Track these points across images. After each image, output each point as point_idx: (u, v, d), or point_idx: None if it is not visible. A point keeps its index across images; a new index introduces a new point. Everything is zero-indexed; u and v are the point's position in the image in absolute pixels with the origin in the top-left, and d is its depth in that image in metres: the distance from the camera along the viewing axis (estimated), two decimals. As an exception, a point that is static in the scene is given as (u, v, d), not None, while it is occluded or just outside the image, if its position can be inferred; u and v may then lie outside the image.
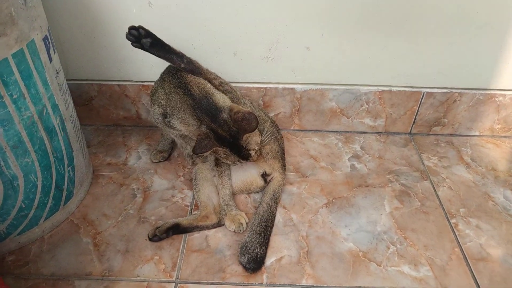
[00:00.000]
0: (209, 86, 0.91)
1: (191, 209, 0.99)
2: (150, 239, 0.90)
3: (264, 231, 0.91)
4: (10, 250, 0.88)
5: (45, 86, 0.80)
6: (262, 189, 1.02)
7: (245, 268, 0.85)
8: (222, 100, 0.89)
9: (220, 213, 0.95)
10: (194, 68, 0.94)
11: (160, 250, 0.89)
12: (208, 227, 0.94)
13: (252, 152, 0.89)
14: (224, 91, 0.96)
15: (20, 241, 0.88)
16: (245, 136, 0.86)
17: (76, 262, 0.86)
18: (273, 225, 0.95)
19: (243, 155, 0.88)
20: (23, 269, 0.85)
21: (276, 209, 0.98)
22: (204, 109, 0.86)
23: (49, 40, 0.82)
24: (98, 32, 1.07)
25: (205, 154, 0.93)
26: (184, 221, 0.93)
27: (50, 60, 0.82)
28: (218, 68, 1.12)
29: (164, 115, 0.92)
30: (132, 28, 0.88)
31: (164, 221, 0.93)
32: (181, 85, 0.90)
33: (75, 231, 0.93)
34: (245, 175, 1.01)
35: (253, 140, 0.89)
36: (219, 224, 0.94)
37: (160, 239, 0.90)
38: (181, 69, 0.93)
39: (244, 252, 0.87)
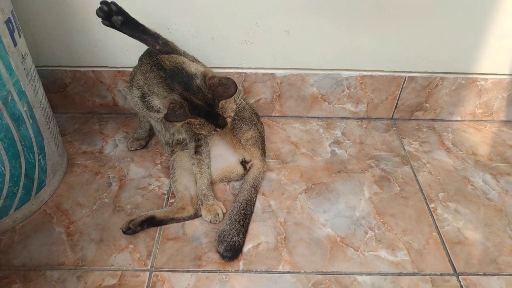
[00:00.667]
0: (182, 58, 0.88)
1: (168, 197, 0.98)
2: (124, 232, 0.88)
3: (243, 219, 0.90)
4: (-21, 241, 0.86)
5: (9, 71, 0.76)
6: (242, 177, 1.01)
7: (222, 256, 0.84)
8: (195, 67, 0.85)
9: (197, 203, 0.94)
10: (170, 50, 0.90)
11: (135, 239, 0.88)
12: (184, 219, 0.92)
13: (229, 120, 0.86)
14: None
15: (-11, 232, 0.86)
16: (221, 103, 0.82)
17: (49, 252, 0.85)
18: (252, 212, 0.94)
19: (220, 123, 0.84)
20: (-7, 260, 0.83)
21: (256, 196, 0.97)
22: (176, 79, 0.82)
23: (13, 23, 0.79)
24: (68, 15, 1.03)
25: (178, 124, 0.91)
26: (159, 213, 0.91)
27: (15, 44, 0.79)
28: (196, 53, 1.09)
29: (143, 97, 0.89)
30: (103, 2, 0.82)
31: (139, 214, 0.91)
32: (156, 63, 0.87)
33: (48, 221, 0.91)
34: (224, 163, 0.99)
35: (229, 107, 0.85)
36: (196, 215, 0.93)
37: (134, 232, 0.88)
38: (156, 51, 0.90)
39: (221, 240, 0.85)
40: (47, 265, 0.82)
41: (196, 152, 0.96)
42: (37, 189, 0.91)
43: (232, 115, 0.87)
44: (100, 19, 0.84)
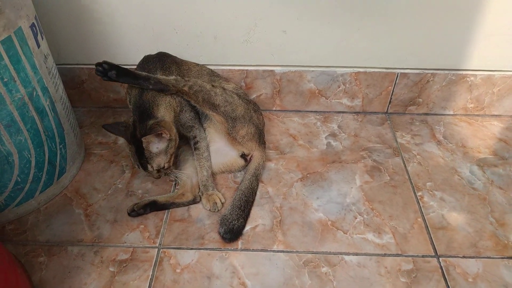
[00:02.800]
0: (161, 100, 0.97)
1: (175, 184, 1.07)
2: (129, 214, 0.98)
3: (244, 205, 0.98)
4: (9, 220, 0.97)
5: (34, 70, 0.87)
6: (244, 168, 1.09)
7: (223, 238, 0.93)
8: (162, 114, 0.96)
9: (197, 192, 1.02)
10: (162, 87, 0.98)
11: (145, 220, 0.98)
12: (184, 204, 1.00)
13: (149, 167, 0.95)
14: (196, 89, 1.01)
15: (18, 212, 0.97)
16: (147, 149, 0.93)
17: (69, 231, 0.95)
18: (253, 200, 1.02)
19: (142, 162, 0.95)
20: (21, 236, 0.94)
21: (258, 185, 1.05)
22: (141, 110, 0.95)
23: (37, 27, 0.89)
24: (84, 18, 1.13)
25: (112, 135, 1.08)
26: (161, 198, 1.00)
27: (38, 46, 0.89)
28: (200, 51, 1.19)
29: (130, 102, 1.02)
30: (97, 64, 0.95)
31: (143, 199, 1.00)
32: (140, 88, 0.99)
33: (68, 203, 1.02)
34: (225, 158, 1.07)
35: (156, 158, 0.95)
36: (194, 201, 1.01)
37: (138, 215, 0.97)
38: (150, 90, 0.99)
39: (222, 223, 0.95)
40: (68, 242, 0.93)
41: (195, 148, 1.05)
42: (58, 175, 1.02)
43: (157, 168, 0.96)
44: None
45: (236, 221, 0.94)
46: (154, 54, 1.08)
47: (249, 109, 1.07)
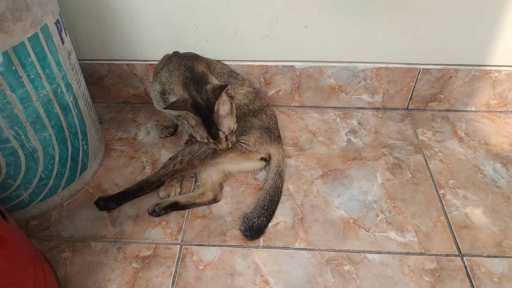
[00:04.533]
0: (211, 75, 0.98)
1: (195, 180, 1.07)
2: (150, 214, 0.98)
3: (268, 204, 0.97)
4: (33, 216, 0.98)
5: (59, 67, 0.87)
6: (266, 166, 1.08)
7: (244, 235, 0.93)
8: (215, 80, 0.95)
9: (219, 191, 1.02)
10: (158, 183, 1.01)
11: (167, 216, 0.98)
12: (204, 204, 1.00)
13: (221, 134, 0.92)
14: None
15: (41, 207, 0.98)
16: (217, 113, 0.90)
17: (92, 226, 0.96)
18: (279, 198, 1.01)
19: (212, 131, 0.91)
20: (45, 232, 0.95)
21: (282, 182, 1.04)
22: (195, 81, 0.92)
23: (61, 23, 0.89)
24: (105, 14, 1.13)
25: (174, 114, 1.02)
26: (182, 199, 1.00)
27: (62, 42, 0.89)
28: (220, 47, 1.18)
29: (163, 93, 0.99)
30: (94, 203, 0.98)
31: (164, 199, 1.00)
32: (187, 65, 0.97)
33: (91, 199, 1.03)
34: (245, 164, 1.06)
35: (225, 121, 0.92)
36: (215, 200, 1.01)
37: (158, 215, 0.97)
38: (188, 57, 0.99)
39: (243, 221, 0.95)
40: (91, 237, 0.94)
41: (185, 143, 1.06)
42: (80, 170, 1.02)
43: (227, 134, 0.93)
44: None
45: (256, 219, 0.94)
46: (175, 58, 1.03)
47: (246, 121, 1.04)
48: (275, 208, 0.99)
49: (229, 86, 0.89)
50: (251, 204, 0.99)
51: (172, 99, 0.95)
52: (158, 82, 1.00)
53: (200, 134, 0.93)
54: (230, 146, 0.97)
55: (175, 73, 0.96)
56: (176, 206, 0.99)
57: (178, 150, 1.07)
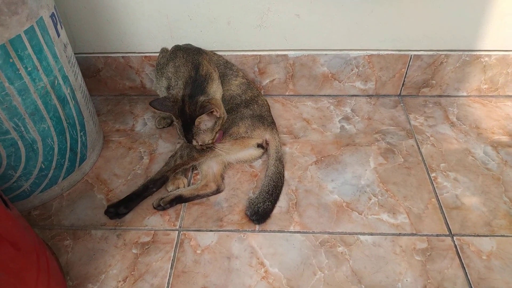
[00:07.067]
0: (216, 75, 0.99)
1: (192, 169, 1.10)
2: (155, 208, 0.99)
3: (272, 189, 0.99)
4: (34, 206, 1.01)
5: (55, 59, 0.89)
6: (264, 154, 1.10)
7: (251, 220, 0.96)
8: (214, 90, 0.97)
9: (221, 182, 1.04)
10: (163, 179, 1.03)
11: (165, 204, 1.01)
12: (208, 195, 1.02)
13: (194, 142, 0.96)
14: None
15: (42, 198, 1.00)
16: (197, 126, 0.93)
17: (92, 215, 0.99)
18: (283, 183, 1.03)
19: (188, 136, 0.96)
20: (46, 221, 0.98)
21: (283, 167, 1.06)
22: (195, 86, 0.95)
23: (56, 16, 0.91)
24: (100, 7, 1.15)
25: (157, 111, 1.04)
26: (186, 191, 1.01)
27: (58, 35, 0.91)
28: (214, 37, 1.20)
29: (169, 88, 1.01)
30: (105, 213, 0.98)
31: (169, 193, 1.02)
32: (194, 62, 0.99)
33: (90, 189, 1.05)
34: (243, 153, 1.08)
35: (202, 135, 0.95)
36: (218, 191, 1.03)
37: (163, 209, 0.99)
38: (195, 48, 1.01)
39: (248, 207, 0.98)
40: (92, 225, 0.97)
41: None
42: (79, 161, 1.05)
43: (201, 144, 0.96)
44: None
45: (262, 204, 0.97)
46: (181, 52, 1.05)
47: (237, 112, 1.06)
48: (279, 193, 1.01)
49: (214, 109, 0.91)
50: (257, 190, 1.01)
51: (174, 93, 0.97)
52: (165, 78, 1.02)
53: (180, 132, 0.98)
54: (204, 149, 1.00)
55: (181, 69, 0.99)
56: (180, 199, 1.00)
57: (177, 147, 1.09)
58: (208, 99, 0.94)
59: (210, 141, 0.97)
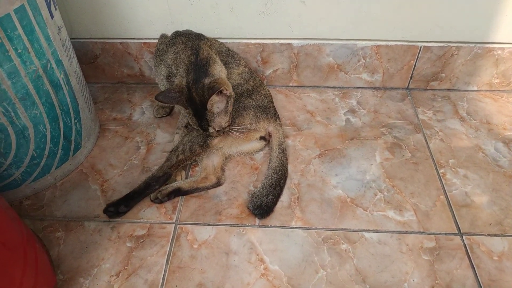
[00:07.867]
0: (215, 57, 0.94)
1: (190, 165, 1.05)
2: (152, 201, 0.95)
3: (276, 182, 0.95)
4: (26, 196, 0.97)
5: (48, 42, 0.84)
6: (266, 146, 1.06)
7: (254, 214, 0.92)
8: (218, 71, 0.92)
9: (221, 174, 1.00)
10: (166, 175, 0.97)
11: (161, 196, 0.97)
12: (208, 188, 0.98)
13: (211, 129, 0.91)
14: None
15: (34, 187, 0.96)
16: (210, 110, 0.88)
17: (86, 206, 0.95)
18: (286, 176, 0.99)
19: (202, 125, 0.91)
20: (38, 212, 0.94)
21: (287, 159, 1.02)
22: (197, 69, 0.89)
23: (49, -3, 0.86)
24: (98, -10, 1.10)
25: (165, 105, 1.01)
26: (185, 184, 0.97)
27: (52, 16, 0.86)
28: (216, 24, 1.15)
29: (169, 76, 0.96)
30: (104, 212, 0.92)
31: (166, 185, 0.97)
32: (193, 47, 0.93)
33: (84, 179, 1.01)
34: (246, 146, 1.04)
35: (217, 119, 0.90)
36: (218, 184, 0.99)
37: (161, 202, 0.95)
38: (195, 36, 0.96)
39: (251, 200, 0.94)
40: (85, 217, 0.93)
41: (185, 126, 1.05)
42: (74, 150, 1.01)
43: (220, 131, 0.92)
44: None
45: (265, 198, 0.93)
46: (180, 38, 0.99)
47: (240, 102, 1.02)
48: (283, 187, 0.97)
49: (223, 87, 0.86)
50: (260, 183, 0.97)
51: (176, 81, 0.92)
52: (164, 65, 0.97)
53: (193, 122, 0.92)
54: (221, 134, 0.95)
55: (181, 55, 0.93)
56: (179, 192, 0.97)
57: (178, 140, 1.05)
58: (214, 79, 0.88)
59: (226, 124, 0.92)
